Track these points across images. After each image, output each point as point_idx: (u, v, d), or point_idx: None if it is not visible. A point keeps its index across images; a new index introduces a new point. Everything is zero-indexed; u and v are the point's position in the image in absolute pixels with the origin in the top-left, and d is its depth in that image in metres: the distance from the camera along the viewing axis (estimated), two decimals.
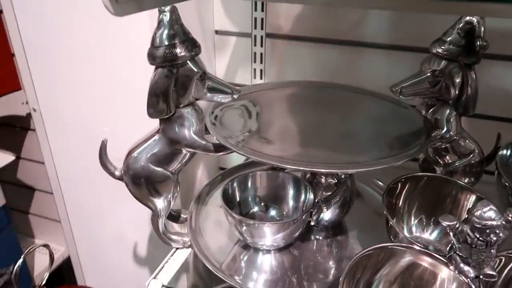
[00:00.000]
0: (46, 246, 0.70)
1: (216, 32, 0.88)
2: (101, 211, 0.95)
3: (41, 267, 1.27)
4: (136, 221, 0.89)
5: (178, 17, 0.51)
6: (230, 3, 0.84)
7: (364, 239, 0.64)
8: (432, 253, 0.46)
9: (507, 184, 0.55)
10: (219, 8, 0.85)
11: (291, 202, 0.64)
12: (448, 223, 0.42)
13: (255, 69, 0.88)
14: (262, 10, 0.82)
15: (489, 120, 0.72)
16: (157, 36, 0.50)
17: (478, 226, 0.41)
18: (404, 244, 0.46)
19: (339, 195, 0.59)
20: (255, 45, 0.86)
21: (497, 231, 0.41)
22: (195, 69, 0.52)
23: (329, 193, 0.60)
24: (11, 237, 1.14)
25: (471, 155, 0.61)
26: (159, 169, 0.56)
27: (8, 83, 0.94)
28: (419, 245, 0.47)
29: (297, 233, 0.59)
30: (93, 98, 0.80)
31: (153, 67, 0.51)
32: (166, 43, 0.49)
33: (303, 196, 0.62)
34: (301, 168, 0.48)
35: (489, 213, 0.41)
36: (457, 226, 0.42)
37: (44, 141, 0.92)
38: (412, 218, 0.59)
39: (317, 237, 0.65)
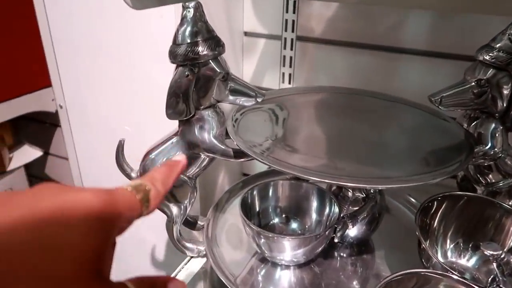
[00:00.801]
0: None
1: (245, 33, 0.85)
2: None
3: None
4: (155, 222, 0.87)
5: (202, 14, 0.48)
6: (260, 3, 0.81)
7: (393, 260, 0.59)
8: (471, 284, 0.40)
9: None
10: (249, 8, 0.82)
11: (314, 215, 0.59)
12: (492, 252, 0.37)
13: (283, 73, 0.85)
14: (294, 12, 0.79)
15: None
16: (180, 33, 0.47)
17: None
18: (439, 272, 0.41)
19: (366, 211, 0.55)
20: (284, 48, 0.82)
21: None
22: (218, 69, 0.49)
23: (356, 208, 0.55)
24: None
25: None
26: None
27: (40, 79, 0.96)
28: (456, 273, 0.42)
29: (319, 249, 0.54)
30: (117, 97, 0.79)
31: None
32: (188, 40, 0.47)
33: (327, 210, 0.57)
34: (327, 180, 0.44)
35: None
36: (502, 256, 0.37)
37: (68, 137, 0.92)
38: (448, 242, 0.53)
39: (341, 254, 0.60)
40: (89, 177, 0.96)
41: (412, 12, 0.71)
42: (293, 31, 0.80)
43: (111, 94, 0.80)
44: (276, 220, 0.61)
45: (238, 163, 0.95)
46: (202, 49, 0.47)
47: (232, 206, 0.67)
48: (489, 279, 0.40)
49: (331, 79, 0.82)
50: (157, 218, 0.82)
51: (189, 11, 0.47)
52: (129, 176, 0.56)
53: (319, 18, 0.78)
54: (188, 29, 0.47)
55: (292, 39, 0.81)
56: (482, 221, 0.51)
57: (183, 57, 0.47)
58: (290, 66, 0.83)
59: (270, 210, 0.61)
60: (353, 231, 0.59)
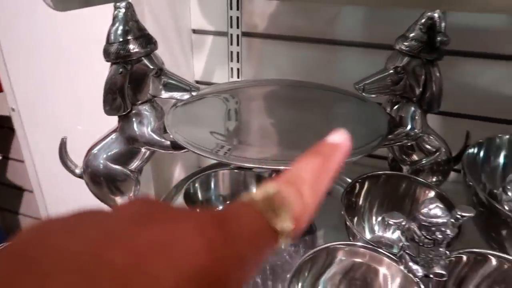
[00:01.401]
0: None
1: (194, 31, 0.88)
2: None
3: None
4: None
5: (133, 13, 0.51)
6: (206, 1, 0.84)
7: (333, 238, 0.62)
8: (383, 251, 0.45)
9: (471, 183, 0.54)
10: (196, 6, 0.85)
11: None
12: (394, 221, 0.41)
13: (232, 68, 0.88)
14: (238, 9, 0.82)
15: (459, 118, 0.71)
16: (112, 32, 0.50)
17: (424, 224, 0.40)
18: (348, 243, 0.45)
19: None
20: (231, 44, 0.85)
21: (444, 229, 0.40)
22: (150, 66, 0.52)
23: None
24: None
25: (437, 153, 0.60)
26: (118, 167, 0.56)
27: None
28: (366, 244, 0.46)
29: None
30: (68, 97, 0.81)
31: None
32: (120, 39, 0.49)
33: None
34: (255, 165, 0.47)
35: (435, 211, 0.40)
36: (403, 223, 0.42)
37: (23, 140, 0.92)
38: (374, 218, 0.58)
39: None
40: (46, 178, 0.97)
41: (346, 7, 0.75)
42: (238, 27, 0.83)
43: (62, 94, 0.81)
44: (220, 208, 0.64)
45: (194, 157, 0.97)
46: (133, 47, 0.49)
47: (179, 200, 0.70)
48: (399, 246, 0.45)
49: (277, 72, 0.85)
50: None
51: (120, 11, 0.50)
52: (73, 173, 0.58)
53: (261, 15, 0.81)
54: (120, 28, 0.50)
55: (238, 35, 0.84)
56: (401, 195, 0.56)
57: (115, 55, 0.49)
58: (238, 61, 0.87)
59: (214, 199, 0.64)
60: None
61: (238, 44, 0.85)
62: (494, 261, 0.44)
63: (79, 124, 0.82)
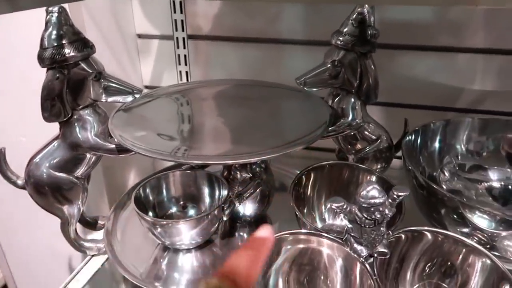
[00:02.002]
0: None
1: (139, 36, 0.87)
2: (29, 223, 0.91)
3: None
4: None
5: (67, 17, 0.50)
6: (149, 5, 0.84)
7: (288, 230, 0.64)
8: (327, 236, 0.47)
9: (410, 167, 0.57)
10: (139, 11, 0.84)
11: (207, 200, 0.63)
12: (336, 205, 0.43)
13: (180, 71, 0.88)
14: (181, 12, 0.82)
15: (398, 108, 0.75)
16: (45, 37, 0.49)
17: (364, 205, 0.43)
18: (293, 231, 0.47)
19: (252, 188, 0.60)
20: (178, 47, 0.85)
21: (381, 209, 0.43)
22: (89, 69, 0.51)
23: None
24: None
25: (379, 141, 0.63)
26: (63, 175, 0.54)
27: None
28: (311, 230, 0.48)
29: (213, 229, 0.58)
30: (6, 110, 0.77)
31: None
32: (54, 44, 0.48)
33: (217, 193, 0.62)
34: (193, 161, 0.48)
35: (372, 192, 0.42)
36: (345, 207, 0.44)
37: None
38: (323, 207, 0.60)
39: (240, 233, 0.65)
40: None
41: (286, 6, 0.77)
42: (183, 30, 0.84)
43: (1, 107, 0.78)
44: (173, 209, 0.64)
45: (150, 162, 0.96)
46: (68, 51, 0.49)
47: (132, 206, 0.69)
48: (344, 230, 0.47)
49: (225, 73, 0.86)
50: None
51: (52, 15, 0.49)
52: (15, 184, 0.56)
53: (205, 16, 0.82)
54: (54, 32, 0.49)
55: (183, 38, 0.84)
56: (346, 183, 0.59)
57: (50, 60, 0.48)
58: (186, 64, 0.87)
59: (166, 201, 0.63)
60: (248, 210, 0.63)
61: (184, 47, 0.85)
62: (429, 236, 0.47)
63: (22, 135, 0.79)
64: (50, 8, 0.49)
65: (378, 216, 0.43)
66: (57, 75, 0.49)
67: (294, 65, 0.81)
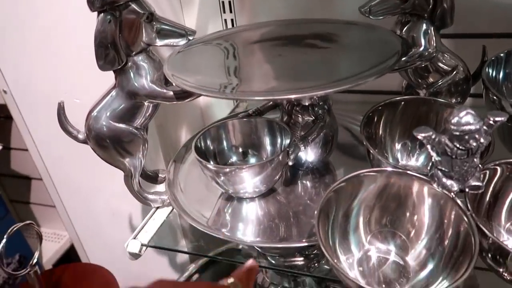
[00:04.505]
0: (30, 224, 0.68)
1: None
2: (92, 188, 0.93)
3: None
4: (127, 193, 0.87)
5: None
6: None
7: (352, 171, 0.61)
8: (411, 173, 0.42)
9: (495, 97, 0.51)
10: None
11: (269, 147, 0.60)
12: (423, 134, 0.39)
13: (225, 20, 0.83)
14: None
15: (474, 39, 0.67)
16: None
17: (456, 133, 0.38)
18: (376, 169, 0.42)
19: (316, 131, 0.56)
20: None
21: (477, 136, 0.37)
22: (140, 10, 0.48)
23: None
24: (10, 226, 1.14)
25: (455, 72, 0.57)
26: (122, 125, 0.53)
27: None
28: (391, 166, 0.44)
29: (278, 176, 0.56)
30: (60, 71, 0.77)
31: None
32: None
33: (279, 139, 0.58)
34: (271, 98, 0.44)
35: (466, 118, 0.37)
36: (433, 137, 0.39)
37: (23, 127, 0.89)
38: (396, 146, 0.55)
39: (303, 181, 0.62)
40: (53, 163, 0.95)
41: None
42: None
43: (52, 70, 0.78)
44: (234, 158, 0.62)
45: (199, 115, 0.94)
46: None
47: (190, 157, 0.67)
48: (430, 164, 0.42)
49: (275, 18, 0.81)
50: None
51: None
52: (76, 139, 0.55)
53: None
54: None
55: None
56: (423, 119, 0.53)
57: (100, 2, 0.45)
58: (231, 12, 0.82)
59: (226, 150, 0.61)
60: (310, 156, 0.60)
61: None
62: None
63: (76, 97, 0.79)
64: None
65: (474, 144, 0.38)
66: (109, 18, 0.46)
67: (347, 2, 0.74)
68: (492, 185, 0.43)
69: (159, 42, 0.50)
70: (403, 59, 0.53)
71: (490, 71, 0.58)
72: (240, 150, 0.62)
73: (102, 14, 0.47)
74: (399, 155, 0.55)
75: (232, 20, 0.83)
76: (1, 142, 1.16)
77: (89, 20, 0.68)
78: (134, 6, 0.47)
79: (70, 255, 1.29)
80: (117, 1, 0.46)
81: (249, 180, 0.54)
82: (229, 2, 0.81)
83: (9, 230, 0.65)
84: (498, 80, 0.59)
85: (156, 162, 0.79)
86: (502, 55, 0.58)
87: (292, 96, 0.44)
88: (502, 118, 0.38)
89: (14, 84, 0.84)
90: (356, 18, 0.63)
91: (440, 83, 0.57)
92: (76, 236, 1.08)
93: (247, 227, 0.56)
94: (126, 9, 0.47)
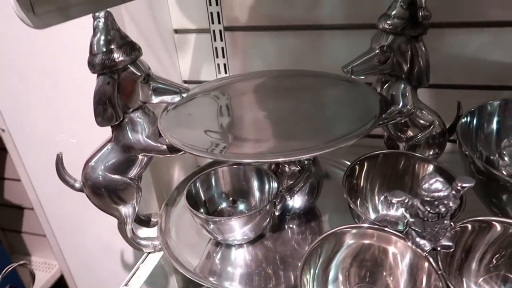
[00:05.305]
0: (23, 264, 0.70)
1: (175, 31, 0.87)
2: (83, 220, 0.95)
3: (41, 281, 1.29)
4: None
5: (113, 22, 0.50)
6: (184, 0, 0.83)
7: (338, 221, 0.63)
8: (389, 230, 0.46)
9: (467, 153, 0.55)
10: (174, 6, 0.84)
11: (257, 194, 0.63)
12: (397, 199, 0.42)
13: (218, 64, 0.87)
14: (217, 4, 0.81)
15: (449, 89, 0.71)
16: (94, 44, 0.49)
17: (427, 199, 0.41)
18: (354, 225, 0.46)
19: (302, 181, 0.59)
20: (215, 40, 0.85)
21: (446, 202, 0.41)
22: (137, 72, 0.51)
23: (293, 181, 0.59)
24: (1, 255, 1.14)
25: (432, 127, 0.61)
26: (117, 177, 0.56)
27: None
28: (372, 224, 0.47)
29: (265, 223, 0.58)
30: (56, 112, 0.80)
31: None
32: (104, 49, 0.49)
33: (267, 186, 0.61)
34: (248, 160, 0.48)
35: (435, 185, 0.41)
36: (406, 201, 0.42)
37: (17, 159, 0.91)
38: (376, 197, 0.58)
39: (291, 225, 0.65)
40: (45, 194, 0.96)
41: None
42: (219, 22, 0.83)
43: (50, 110, 0.81)
44: (223, 205, 0.65)
45: (193, 158, 0.97)
46: (117, 56, 0.49)
47: (182, 200, 0.70)
48: (404, 222, 0.45)
49: (264, 63, 0.85)
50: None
51: (100, 21, 0.49)
52: (73, 187, 0.58)
53: (241, 7, 0.81)
54: (102, 38, 0.49)
55: (220, 30, 0.84)
56: (400, 172, 0.57)
57: (100, 66, 0.49)
58: (224, 57, 0.86)
59: (216, 197, 0.64)
60: (297, 202, 0.63)
61: (222, 40, 0.84)
62: (498, 227, 0.45)
63: (72, 137, 0.82)
64: (97, 14, 0.49)
65: (443, 209, 0.41)
66: (108, 80, 0.50)
67: (335, 51, 0.79)
68: (463, 241, 0.46)
69: (154, 100, 0.54)
70: (383, 116, 0.57)
71: (465, 123, 0.62)
72: (230, 196, 0.65)
73: (102, 75, 0.50)
74: (379, 206, 0.59)
75: (224, 64, 0.87)
76: None
77: (86, 64, 0.72)
78: (132, 68, 0.51)
79: (60, 286, 1.29)
80: (116, 65, 0.49)
81: (238, 229, 0.56)
82: (222, 48, 0.85)
83: (3, 271, 0.67)
84: (472, 131, 0.63)
85: (148, 201, 0.81)
86: (473, 109, 0.62)
87: (280, 160, 0.47)
88: (470, 184, 0.41)
89: (12, 122, 0.87)
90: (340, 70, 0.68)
91: (418, 137, 0.61)
92: (66, 267, 1.09)
93: (235, 273, 0.58)
94: (125, 72, 0.51)
